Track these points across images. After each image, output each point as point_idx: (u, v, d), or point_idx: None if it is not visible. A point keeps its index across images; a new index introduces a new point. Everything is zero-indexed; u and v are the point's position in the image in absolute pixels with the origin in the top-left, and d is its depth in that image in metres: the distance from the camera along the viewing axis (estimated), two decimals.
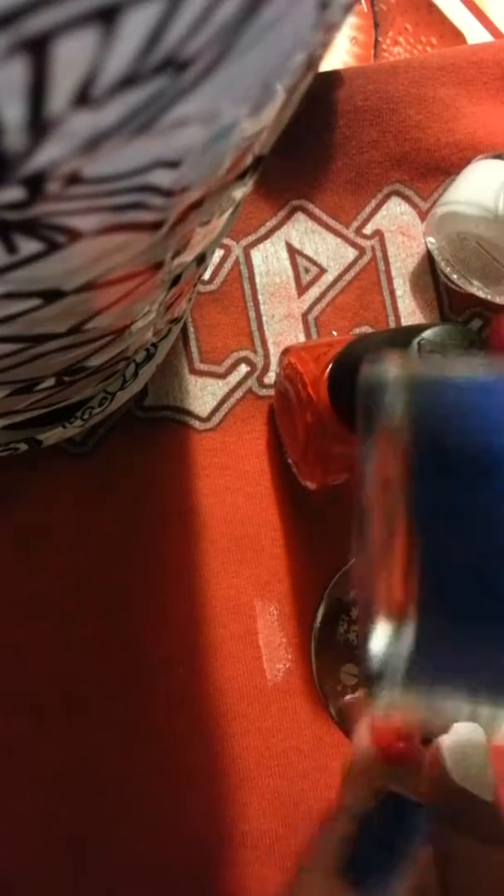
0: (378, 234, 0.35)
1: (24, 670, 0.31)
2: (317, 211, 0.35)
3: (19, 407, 0.23)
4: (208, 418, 0.33)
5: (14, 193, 0.11)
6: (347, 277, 0.35)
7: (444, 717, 0.16)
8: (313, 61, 0.15)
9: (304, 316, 0.35)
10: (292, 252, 0.35)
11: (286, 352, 0.31)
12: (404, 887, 0.18)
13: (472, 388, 0.15)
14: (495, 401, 0.15)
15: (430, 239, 0.35)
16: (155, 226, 0.15)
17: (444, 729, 0.20)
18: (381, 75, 0.35)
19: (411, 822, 0.19)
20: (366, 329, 0.35)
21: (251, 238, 0.34)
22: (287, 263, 0.35)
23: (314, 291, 0.35)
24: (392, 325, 0.35)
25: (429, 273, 0.36)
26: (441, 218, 0.33)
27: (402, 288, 0.35)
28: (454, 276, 0.34)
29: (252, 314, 0.34)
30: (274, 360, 0.34)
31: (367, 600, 0.15)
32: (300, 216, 0.35)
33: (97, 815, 0.30)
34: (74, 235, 0.13)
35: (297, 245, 0.35)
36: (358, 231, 0.35)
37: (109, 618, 0.32)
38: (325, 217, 0.35)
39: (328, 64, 0.37)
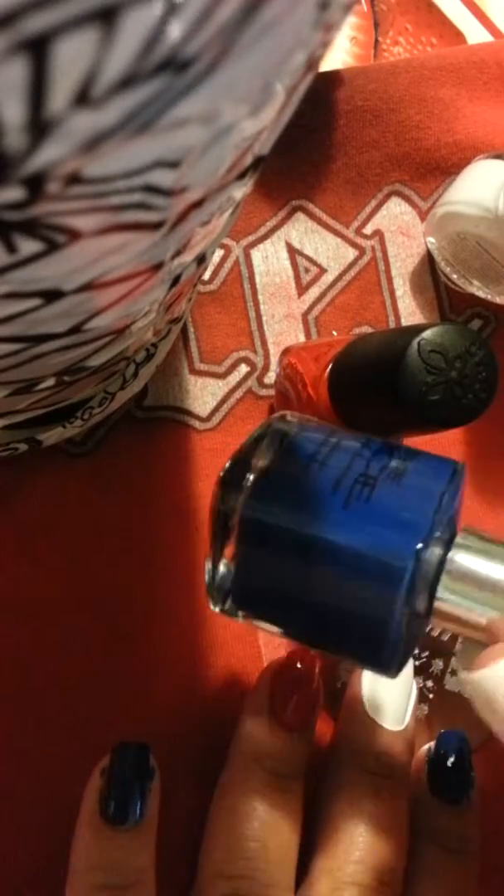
0: (378, 234, 0.35)
1: (24, 670, 0.31)
2: (317, 211, 0.35)
3: (19, 407, 0.23)
4: (208, 418, 0.33)
5: (14, 193, 0.11)
6: (347, 277, 0.35)
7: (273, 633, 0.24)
8: (313, 61, 0.15)
9: (304, 316, 0.35)
10: (292, 252, 0.35)
11: (286, 352, 0.31)
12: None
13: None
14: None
15: (430, 239, 0.35)
16: (155, 226, 0.15)
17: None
18: (381, 75, 0.35)
19: (147, 763, 0.26)
20: (366, 329, 0.35)
21: (251, 238, 0.34)
22: (287, 263, 0.35)
23: (314, 291, 0.35)
24: (392, 325, 0.35)
25: (429, 273, 0.36)
26: (441, 218, 0.33)
27: (402, 288, 0.35)
28: (454, 276, 0.34)
29: (252, 314, 0.34)
30: (274, 360, 0.34)
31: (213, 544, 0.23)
32: (300, 216, 0.35)
33: None
34: (74, 235, 0.13)
35: (297, 245, 0.35)
36: (358, 231, 0.35)
37: (109, 618, 0.32)
38: (325, 217, 0.35)
39: (328, 64, 0.37)
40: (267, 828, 0.26)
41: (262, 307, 0.34)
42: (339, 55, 0.38)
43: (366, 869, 0.26)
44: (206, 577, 0.23)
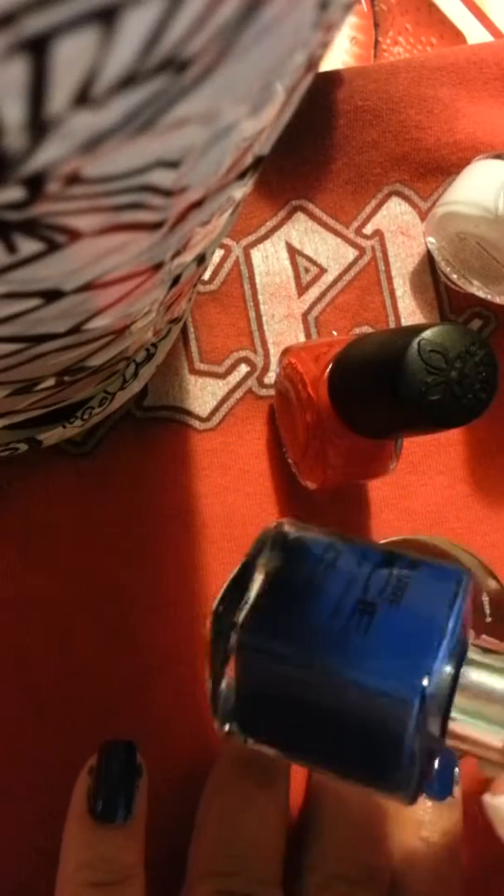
0: (378, 234, 0.35)
1: (24, 670, 0.31)
2: (317, 211, 0.35)
3: (19, 407, 0.23)
4: (208, 418, 0.33)
5: (14, 193, 0.11)
6: (347, 277, 0.35)
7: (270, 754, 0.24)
8: (313, 61, 0.15)
9: (304, 316, 0.35)
10: (292, 252, 0.35)
11: (286, 352, 0.31)
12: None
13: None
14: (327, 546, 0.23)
15: (430, 239, 0.35)
16: (155, 226, 0.15)
17: None
18: (381, 75, 0.35)
19: (134, 761, 0.27)
20: (366, 329, 0.35)
21: (251, 238, 0.34)
22: (287, 263, 0.35)
23: (314, 291, 0.35)
24: (392, 325, 0.35)
25: (429, 273, 0.36)
26: (441, 218, 0.33)
27: (402, 288, 0.35)
28: (454, 276, 0.34)
29: (252, 314, 0.34)
30: (274, 360, 0.34)
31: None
32: (300, 216, 0.35)
33: None
34: (74, 235, 0.13)
35: (297, 245, 0.35)
36: (358, 231, 0.35)
37: (109, 618, 0.32)
38: (325, 217, 0.35)
39: (328, 64, 0.37)
40: (254, 825, 0.26)
41: (262, 307, 0.34)
42: (339, 55, 0.38)
43: (353, 864, 0.26)
44: (209, 695, 0.23)
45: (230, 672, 0.22)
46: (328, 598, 0.21)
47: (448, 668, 0.20)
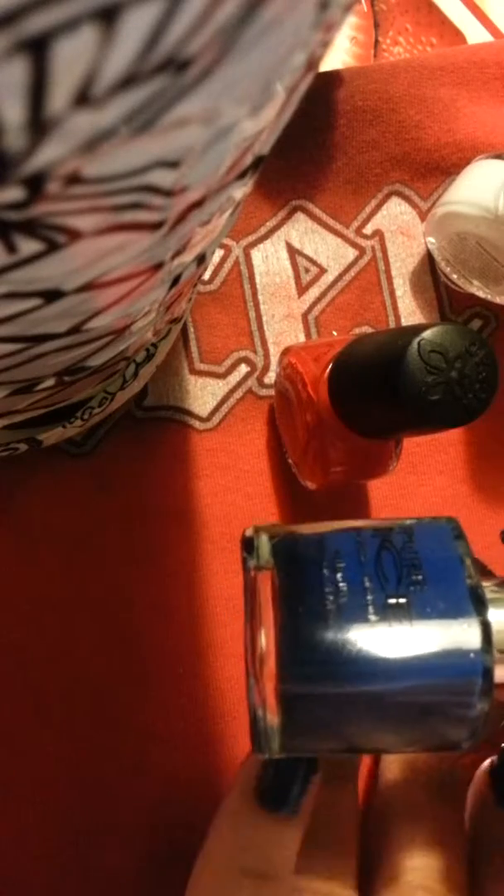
0: (378, 234, 0.35)
1: (24, 670, 0.31)
2: (317, 211, 0.35)
3: (19, 407, 0.23)
4: (208, 418, 0.33)
5: (14, 193, 0.11)
6: (347, 277, 0.35)
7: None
8: (313, 61, 0.15)
9: (304, 316, 0.35)
10: (292, 252, 0.35)
11: (286, 352, 0.31)
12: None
13: (313, 539, 0.22)
14: (326, 546, 0.21)
15: (430, 239, 0.35)
16: (155, 226, 0.15)
17: None
18: (381, 75, 0.35)
19: (310, 759, 0.24)
20: (366, 329, 0.35)
21: (251, 238, 0.34)
22: (287, 263, 0.35)
23: (314, 291, 0.35)
24: (392, 325, 0.35)
25: (429, 273, 0.36)
26: (441, 218, 0.33)
27: (402, 288, 0.35)
28: (454, 276, 0.34)
29: (252, 314, 0.34)
30: (274, 360, 0.34)
31: (251, 696, 0.20)
32: (300, 216, 0.35)
33: (97, 814, 0.30)
34: (74, 235, 0.13)
35: (297, 245, 0.35)
36: (358, 231, 0.35)
37: (109, 618, 0.32)
38: (325, 217, 0.35)
39: (328, 64, 0.37)
40: (261, 862, 0.24)
41: (262, 307, 0.34)
42: (339, 55, 0.38)
43: (430, 873, 0.24)
44: (252, 725, 0.21)
45: (273, 716, 0.20)
46: (355, 609, 0.20)
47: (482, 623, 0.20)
